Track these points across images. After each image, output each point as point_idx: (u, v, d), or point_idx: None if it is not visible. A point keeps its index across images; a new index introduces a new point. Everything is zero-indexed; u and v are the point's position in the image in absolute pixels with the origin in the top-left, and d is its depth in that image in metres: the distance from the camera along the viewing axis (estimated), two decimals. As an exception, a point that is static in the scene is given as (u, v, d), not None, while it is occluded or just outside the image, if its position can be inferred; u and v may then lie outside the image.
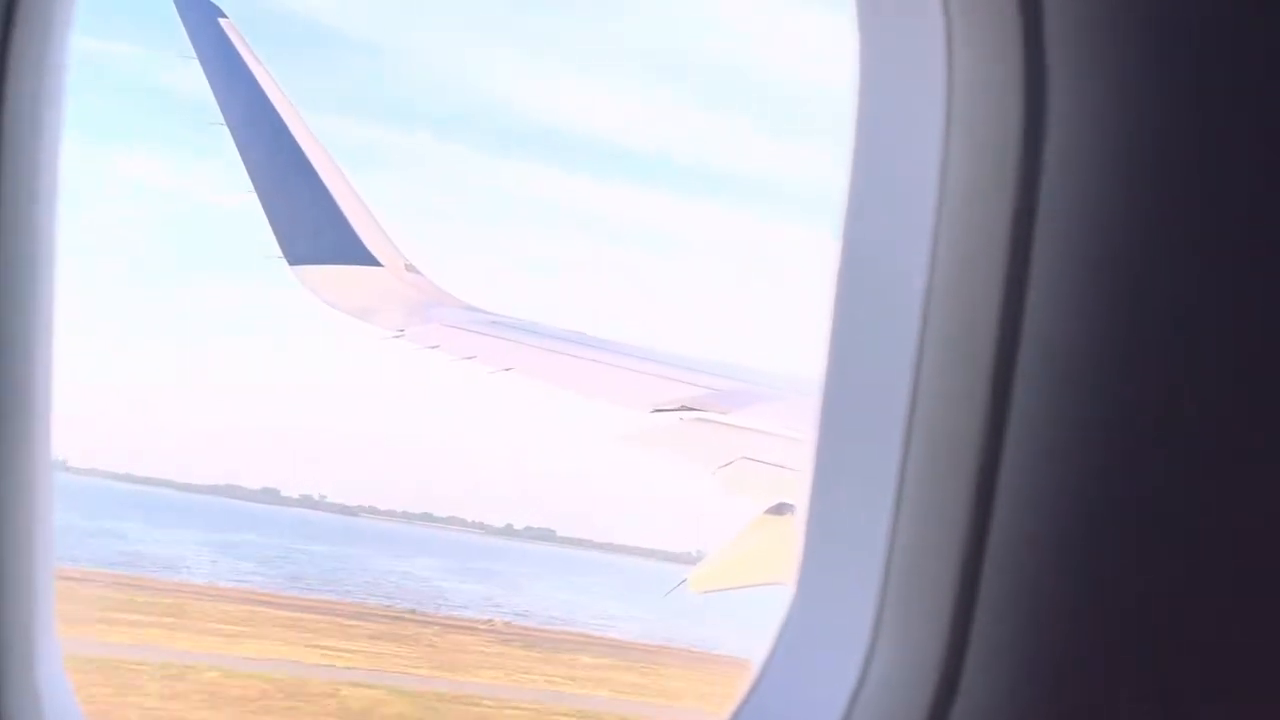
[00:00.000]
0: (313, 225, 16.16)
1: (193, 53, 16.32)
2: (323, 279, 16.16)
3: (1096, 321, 1.91)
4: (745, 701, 2.27)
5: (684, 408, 12.92)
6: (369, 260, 16.17)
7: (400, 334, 15.20)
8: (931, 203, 1.99)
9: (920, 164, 2.01)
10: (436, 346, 14.91)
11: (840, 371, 2.19)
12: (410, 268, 16.35)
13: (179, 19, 16.40)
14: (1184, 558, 1.93)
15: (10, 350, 1.98)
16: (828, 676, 2.13)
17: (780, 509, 11.70)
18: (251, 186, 16.04)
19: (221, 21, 16.41)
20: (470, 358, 14.63)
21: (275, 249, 16.04)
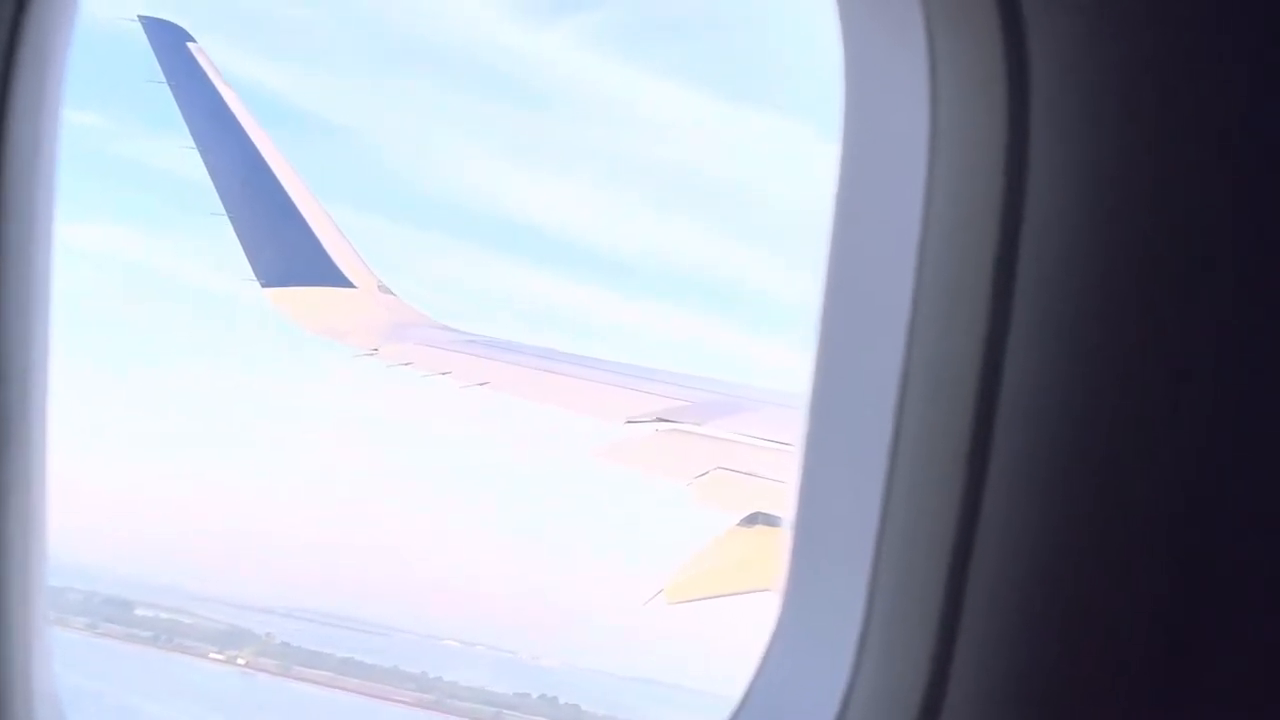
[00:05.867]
0: (285, 247, 16.16)
1: (161, 77, 16.35)
2: (296, 301, 16.18)
3: (1082, 335, 1.93)
4: (735, 715, 2.27)
5: (659, 419, 12.97)
6: (342, 281, 16.18)
7: (373, 352, 15.22)
8: (918, 217, 2.00)
9: (906, 179, 2.01)
10: (409, 364, 14.94)
11: (827, 383, 2.19)
12: (383, 288, 16.37)
13: (148, 44, 16.43)
14: (1171, 573, 1.94)
15: (8, 362, 2.02)
16: (815, 687, 2.13)
17: (755, 518, 11.76)
18: (224, 209, 16.08)
19: (190, 46, 16.44)
20: (444, 374, 14.66)
21: (249, 272, 16.08)
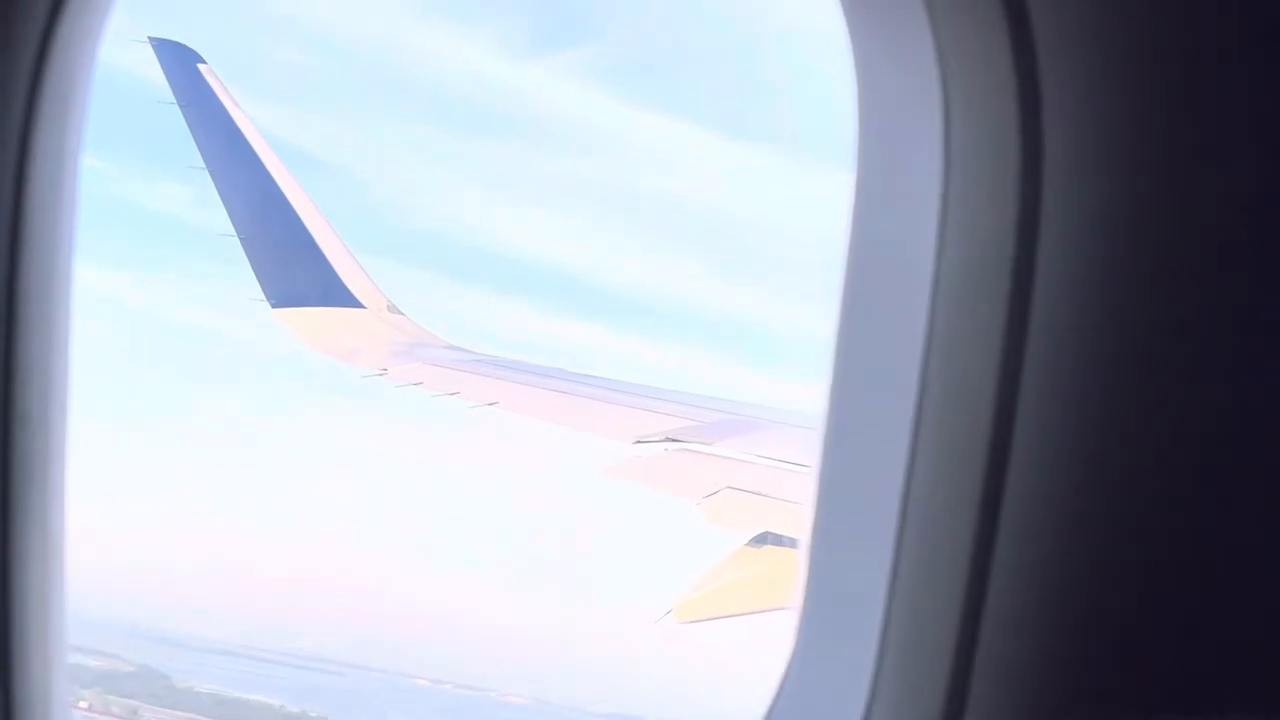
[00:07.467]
0: (294, 268, 16.23)
1: (173, 98, 16.43)
2: (306, 321, 16.23)
3: (1099, 350, 1.93)
4: None
5: (668, 439, 13.00)
6: (351, 302, 16.24)
7: (383, 372, 15.27)
8: (933, 231, 2.00)
9: (920, 193, 2.02)
10: (419, 383, 14.99)
11: (843, 400, 2.18)
12: (393, 308, 16.42)
13: (159, 65, 16.50)
14: (1190, 590, 1.94)
15: (30, 404, 2.01)
16: (834, 709, 2.11)
17: (764, 538, 11.77)
18: (234, 230, 16.15)
19: (201, 67, 16.52)
20: (453, 393, 14.71)
21: (258, 292, 16.14)
